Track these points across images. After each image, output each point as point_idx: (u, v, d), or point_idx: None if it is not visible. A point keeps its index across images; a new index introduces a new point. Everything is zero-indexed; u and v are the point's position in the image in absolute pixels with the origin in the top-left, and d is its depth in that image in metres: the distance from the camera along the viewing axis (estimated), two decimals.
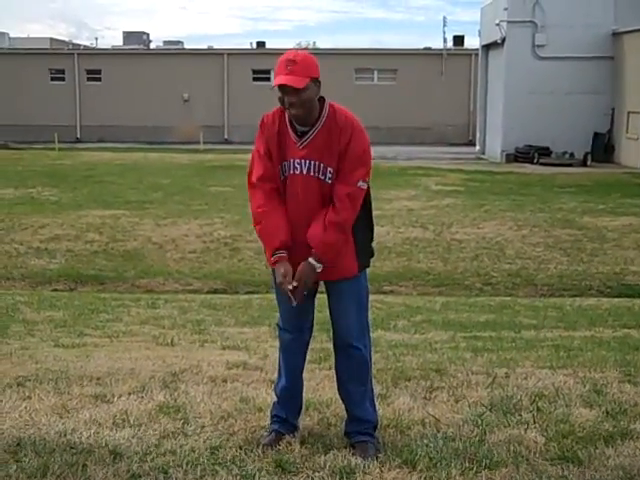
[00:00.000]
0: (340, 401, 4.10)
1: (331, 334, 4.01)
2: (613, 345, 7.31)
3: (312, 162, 3.75)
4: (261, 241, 3.91)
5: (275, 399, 4.07)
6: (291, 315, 3.93)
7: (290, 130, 3.79)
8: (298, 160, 3.76)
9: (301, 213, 3.78)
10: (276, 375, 4.16)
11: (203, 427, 4.12)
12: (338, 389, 4.06)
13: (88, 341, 7.21)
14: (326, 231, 3.71)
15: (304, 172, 3.76)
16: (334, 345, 3.99)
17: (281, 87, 3.64)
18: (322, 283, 3.92)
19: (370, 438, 3.87)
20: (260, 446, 3.82)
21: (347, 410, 4.00)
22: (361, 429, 3.90)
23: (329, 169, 3.75)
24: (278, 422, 3.99)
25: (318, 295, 3.97)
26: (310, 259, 3.71)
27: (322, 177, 3.76)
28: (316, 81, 3.68)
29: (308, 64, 3.66)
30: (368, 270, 3.97)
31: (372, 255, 3.99)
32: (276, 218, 3.79)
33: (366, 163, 3.78)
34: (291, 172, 3.79)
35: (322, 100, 3.78)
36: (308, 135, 3.76)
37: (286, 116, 3.79)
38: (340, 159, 3.73)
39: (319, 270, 3.71)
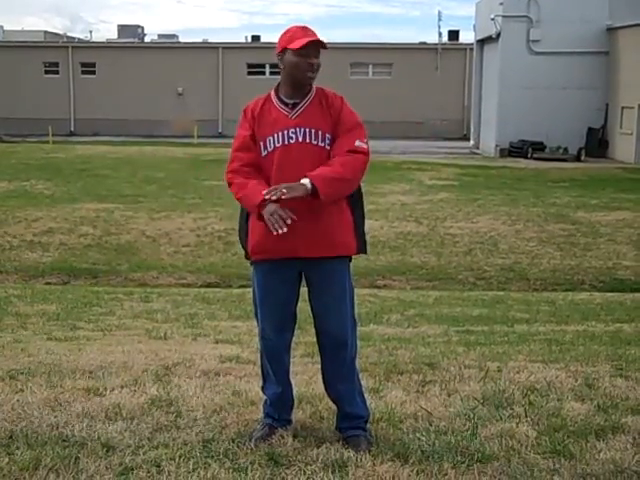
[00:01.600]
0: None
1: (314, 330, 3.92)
2: (605, 339, 7.33)
3: (307, 129, 3.74)
4: (245, 203, 3.78)
5: (266, 399, 4.03)
6: (273, 316, 3.86)
7: (279, 105, 3.81)
8: (292, 129, 3.74)
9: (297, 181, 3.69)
10: (260, 376, 4.09)
11: (196, 420, 4.11)
12: (326, 389, 4.00)
13: (81, 334, 7.21)
14: (328, 166, 3.66)
15: (299, 140, 3.74)
16: (321, 345, 3.89)
17: (310, 46, 3.69)
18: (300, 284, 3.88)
19: (362, 432, 3.87)
20: (253, 440, 3.82)
21: (338, 407, 3.97)
22: (353, 424, 3.89)
23: (327, 135, 3.76)
24: (271, 418, 3.98)
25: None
26: (304, 179, 3.58)
27: (321, 143, 3.75)
28: None
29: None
30: (357, 266, 3.93)
31: (365, 247, 3.91)
32: (256, 183, 3.70)
33: (360, 125, 3.81)
34: (283, 143, 3.74)
35: None
36: (301, 104, 3.79)
37: (272, 96, 3.84)
38: (335, 128, 3.76)
39: (307, 190, 3.54)
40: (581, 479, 3.44)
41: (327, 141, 3.76)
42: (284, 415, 3.99)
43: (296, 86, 3.78)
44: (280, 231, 3.54)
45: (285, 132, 3.75)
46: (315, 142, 3.74)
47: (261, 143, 3.79)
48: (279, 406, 3.98)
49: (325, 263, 3.77)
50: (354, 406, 3.91)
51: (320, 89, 3.86)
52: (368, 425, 3.95)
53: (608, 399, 4.57)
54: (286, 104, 3.80)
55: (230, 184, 3.83)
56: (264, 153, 3.78)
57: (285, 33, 3.78)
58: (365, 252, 3.93)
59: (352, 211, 3.83)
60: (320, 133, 3.75)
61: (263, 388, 4.05)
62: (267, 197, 3.54)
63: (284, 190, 3.53)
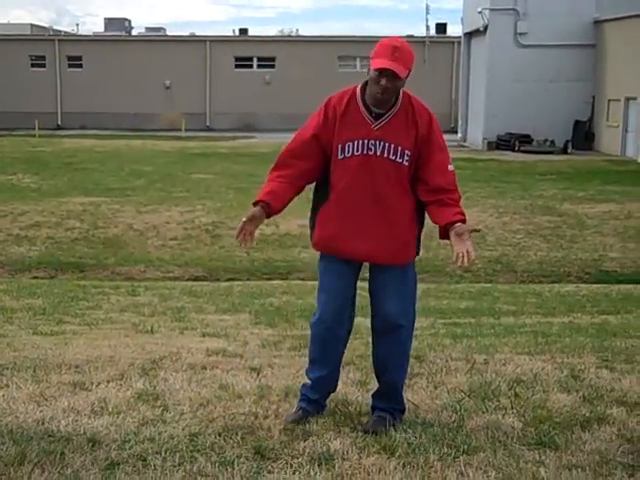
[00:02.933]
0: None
1: (368, 323, 4.04)
2: (591, 331, 7.36)
3: (387, 143, 3.76)
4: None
5: (307, 381, 4.10)
6: (335, 302, 3.90)
7: (364, 110, 3.80)
8: (372, 141, 3.76)
9: (368, 193, 3.77)
10: (307, 362, 4.16)
11: (182, 414, 4.11)
12: (375, 370, 4.09)
13: (67, 329, 7.17)
14: (454, 206, 3.78)
15: (378, 153, 3.76)
16: (374, 328, 3.99)
17: (383, 71, 3.66)
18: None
19: (390, 416, 3.94)
20: (287, 422, 3.90)
21: (379, 387, 4.06)
22: (387, 407, 3.98)
23: (406, 151, 3.77)
24: (306, 401, 4.04)
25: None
26: (458, 225, 3.71)
27: (399, 160, 3.77)
28: (409, 73, 3.77)
29: (411, 55, 3.75)
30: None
31: (419, 250, 4.05)
32: (283, 185, 3.84)
33: (446, 147, 3.92)
34: (363, 152, 3.76)
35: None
36: (385, 116, 3.78)
37: (357, 96, 3.81)
38: (423, 145, 3.78)
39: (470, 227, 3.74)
40: (567, 470, 3.46)
41: (406, 157, 3.77)
42: (321, 400, 4.07)
43: (375, 101, 3.76)
44: (241, 244, 3.83)
45: (366, 142, 3.76)
46: (393, 158, 3.77)
47: (339, 146, 3.79)
48: (320, 389, 4.06)
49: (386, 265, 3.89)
50: (394, 389, 4.00)
51: (407, 96, 3.83)
52: (397, 418, 3.97)
53: (593, 390, 4.59)
54: (370, 111, 3.78)
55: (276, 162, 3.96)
56: (340, 156, 3.80)
57: (377, 44, 3.76)
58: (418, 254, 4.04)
59: (417, 222, 3.92)
60: (400, 149, 3.76)
61: (307, 371, 4.13)
62: (460, 264, 3.64)
63: (472, 252, 3.65)
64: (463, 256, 3.63)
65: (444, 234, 3.80)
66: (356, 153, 3.77)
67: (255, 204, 3.83)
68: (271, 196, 3.83)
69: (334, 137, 3.80)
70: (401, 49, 3.69)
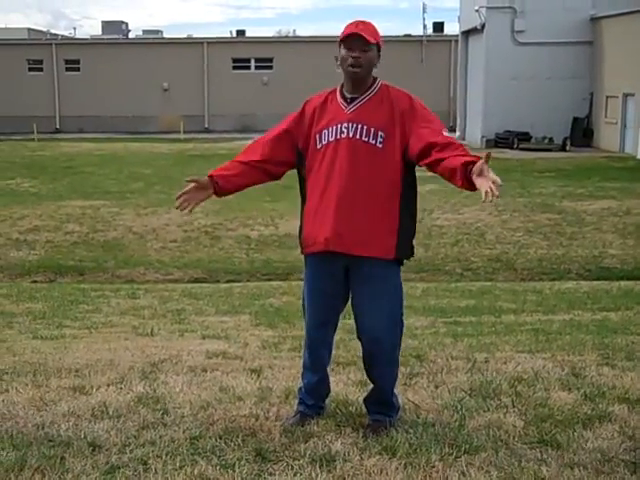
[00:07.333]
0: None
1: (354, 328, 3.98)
2: (592, 328, 7.35)
3: (360, 125, 3.70)
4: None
5: (302, 385, 4.11)
6: (317, 310, 3.89)
7: (340, 100, 3.80)
8: (345, 124, 3.72)
9: (347, 180, 3.68)
10: (301, 368, 4.16)
11: (182, 417, 4.09)
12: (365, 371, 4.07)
13: (67, 333, 7.17)
14: (459, 150, 3.59)
15: (350, 135, 3.70)
16: (358, 338, 3.92)
17: (350, 39, 3.66)
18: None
19: (386, 418, 3.92)
20: (287, 425, 3.88)
21: (371, 391, 4.03)
22: (381, 410, 3.96)
23: (380, 132, 3.69)
24: (304, 404, 4.05)
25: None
26: (472, 166, 3.45)
27: (372, 141, 3.69)
28: (378, 47, 3.74)
29: (375, 29, 3.75)
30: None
31: (412, 253, 3.89)
32: (242, 168, 3.84)
33: (438, 119, 3.75)
34: (336, 137, 3.72)
35: (375, 78, 3.83)
36: (359, 100, 3.76)
37: (337, 90, 3.84)
38: (406, 121, 3.68)
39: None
40: (568, 469, 3.44)
41: (379, 138, 3.69)
42: (318, 402, 4.08)
43: (351, 81, 3.76)
44: (177, 207, 3.75)
45: (338, 127, 3.73)
46: (365, 139, 3.70)
47: (317, 135, 3.78)
48: (314, 394, 4.06)
49: (365, 262, 3.74)
50: (384, 394, 3.97)
51: (386, 86, 3.82)
52: (394, 418, 3.96)
53: (595, 388, 4.58)
54: (345, 99, 3.79)
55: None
56: (318, 146, 3.78)
57: None
58: (408, 257, 3.87)
59: (400, 212, 3.78)
60: (372, 130, 3.69)
61: (302, 375, 4.13)
62: (490, 200, 3.32)
63: (497, 180, 3.36)
64: (491, 191, 3.33)
65: (464, 181, 3.50)
66: (331, 139, 3.74)
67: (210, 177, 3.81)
68: (222, 175, 3.83)
69: (312, 129, 3.79)
70: (364, 22, 3.73)
